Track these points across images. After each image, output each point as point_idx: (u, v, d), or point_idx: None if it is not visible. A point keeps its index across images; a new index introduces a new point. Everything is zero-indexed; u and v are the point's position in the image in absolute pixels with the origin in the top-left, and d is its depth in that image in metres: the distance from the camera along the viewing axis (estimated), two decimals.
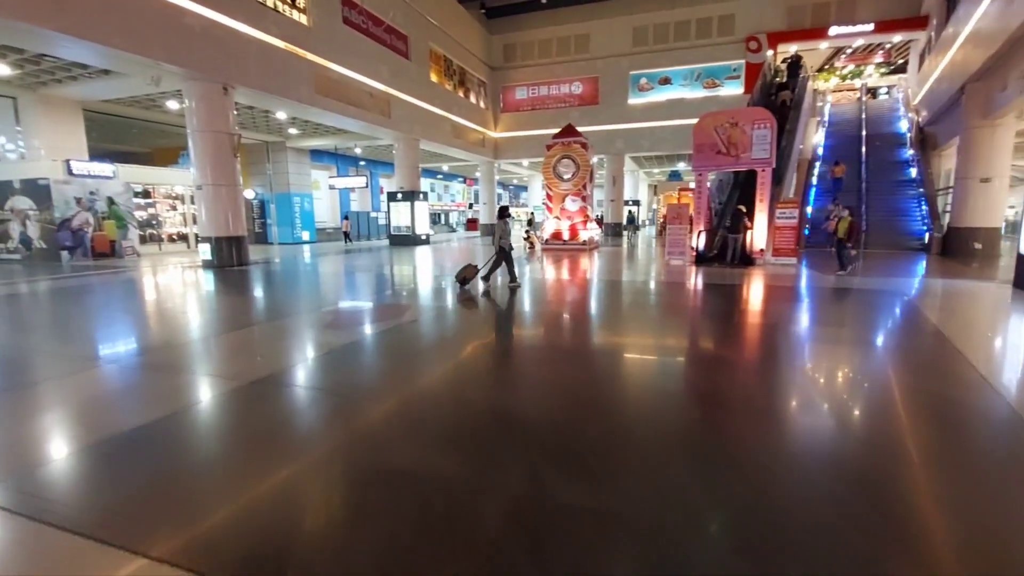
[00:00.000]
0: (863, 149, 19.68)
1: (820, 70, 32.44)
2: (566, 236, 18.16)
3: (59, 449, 2.97)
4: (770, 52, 23.85)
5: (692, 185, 28.43)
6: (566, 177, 17.98)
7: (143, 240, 17.71)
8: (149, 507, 2.32)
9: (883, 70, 34.10)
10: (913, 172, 18.11)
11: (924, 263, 12.69)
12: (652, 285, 9.93)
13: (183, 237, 19.44)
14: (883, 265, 12.20)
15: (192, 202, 17.40)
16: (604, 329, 6.38)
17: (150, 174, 18.75)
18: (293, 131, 21.70)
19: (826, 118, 22.33)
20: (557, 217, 18.32)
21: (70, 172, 15.12)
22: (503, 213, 9.42)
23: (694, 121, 13.19)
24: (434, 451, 2.83)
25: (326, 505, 2.36)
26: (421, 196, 22.76)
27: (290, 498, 2.39)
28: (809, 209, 16.85)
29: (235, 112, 13.65)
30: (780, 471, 2.61)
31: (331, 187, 27.91)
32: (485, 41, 28.52)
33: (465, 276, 9.12)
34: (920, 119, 20.49)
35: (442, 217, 41.56)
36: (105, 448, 2.93)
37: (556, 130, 19.19)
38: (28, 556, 2.01)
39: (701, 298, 8.57)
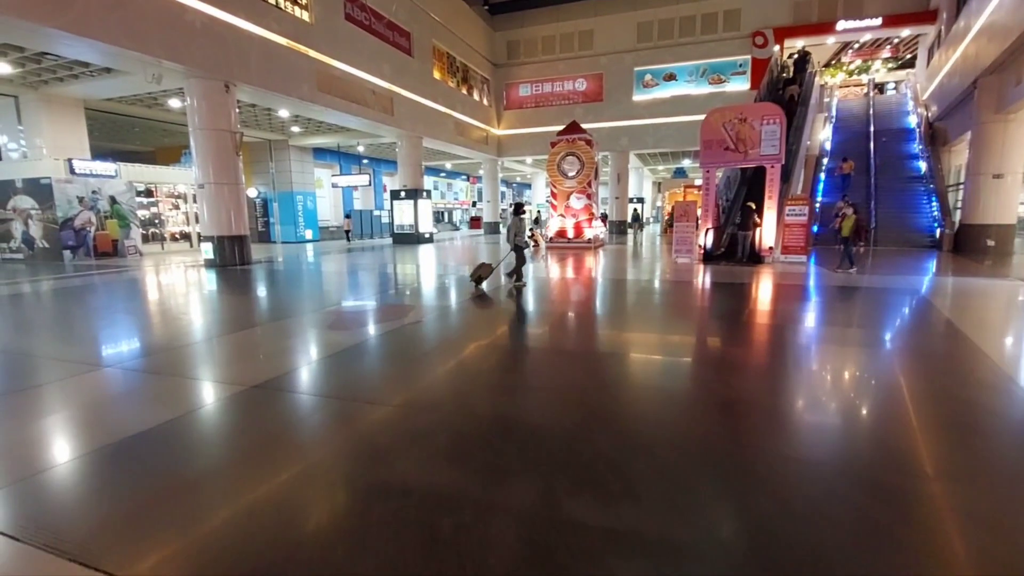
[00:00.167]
0: (871, 145, 19.42)
1: (827, 65, 32.13)
2: (571, 234, 17.99)
3: (42, 463, 2.84)
4: (776, 47, 23.57)
5: (698, 182, 28.25)
6: (571, 174, 17.80)
7: (146, 239, 17.64)
8: (131, 525, 2.19)
9: (891, 65, 33.74)
10: (923, 168, 17.86)
11: (936, 260, 12.48)
12: (661, 284, 9.75)
13: (186, 236, 19.37)
14: (894, 262, 12.00)
15: (194, 201, 17.31)
16: (616, 331, 6.23)
17: (152, 173, 18.65)
18: (296, 129, 21.58)
19: (833, 114, 22.06)
20: (562, 215, 18.15)
21: (72, 171, 15.04)
22: (518, 209, 9.20)
23: (699, 118, 13.01)
24: (440, 463, 2.69)
25: (325, 526, 2.22)
26: (424, 194, 22.63)
27: (286, 516, 2.26)
28: (817, 206, 16.62)
29: (237, 110, 13.54)
30: (806, 482, 2.47)
31: (334, 185, 27.81)
32: (488, 38, 28.32)
33: (480, 275, 8.88)
34: (929, 114, 20.21)
35: (445, 215, 41.42)
36: (95, 459, 2.80)
37: (560, 127, 19.01)
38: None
39: (713, 298, 8.40)
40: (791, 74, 21.27)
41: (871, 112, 21.71)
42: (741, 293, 8.55)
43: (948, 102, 17.33)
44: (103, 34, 9.88)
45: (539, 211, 33.28)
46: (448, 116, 23.98)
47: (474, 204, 44.06)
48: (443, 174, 39.81)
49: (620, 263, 13.46)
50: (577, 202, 17.86)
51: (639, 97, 26.34)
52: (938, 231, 15.47)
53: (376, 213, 29.06)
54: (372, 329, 6.06)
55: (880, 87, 30.82)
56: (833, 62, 32.80)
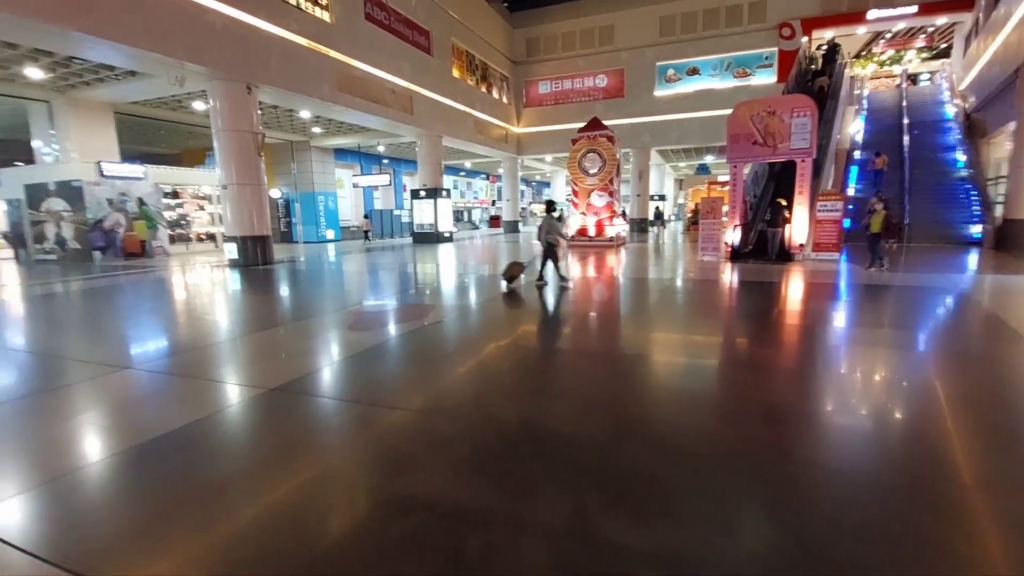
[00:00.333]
0: (905, 138, 18.69)
1: (857, 56, 31.11)
2: (592, 232, 17.71)
3: (51, 471, 2.78)
4: (804, 39, 22.87)
5: (722, 178, 27.65)
6: (592, 172, 17.53)
7: (172, 240, 17.94)
8: (139, 537, 2.09)
9: (925, 55, 32.55)
10: (961, 161, 17.10)
11: (978, 257, 11.89)
12: (690, 284, 9.42)
13: (211, 237, 19.66)
14: (932, 260, 11.47)
15: (218, 202, 17.55)
16: (645, 332, 6.01)
17: (178, 175, 18.99)
18: (317, 130, 21.74)
19: (864, 106, 21.31)
20: (583, 213, 17.89)
21: (102, 174, 15.37)
22: (550, 207, 8.99)
23: (724, 112, 12.63)
24: (464, 474, 2.54)
25: (343, 542, 2.09)
26: (444, 193, 22.58)
27: (301, 530, 2.13)
28: (848, 201, 16.03)
29: (259, 112, 13.64)
30: (854, 497, 2.25)
31: (355, 185, 27.96)
32: (507, 35, 28.16)
33: (511, 274, 8.68)
34: (967, 106, 19.36)
35: (465, 214, 41.40)
36: (108, 465, 2.73)
37: (580, 124, 18.73)
38: None
39: (745, 298, 8.09)
40: (820, 66, 20.64)
41: (904, 104, 20.91)
42: (774, 293, 8.22)
43: (987, 92, 16.55)
44: (125, 36, 10.01)
45: (561, 209, 33.00)
46: (467, 114, 23.89)
47: (493, 203, 43.95)
48: (462, 173, 39.80)
49: (645, 262, 13.17)
50: (599, 200, 17.57)
51: (661, 92, 25.87)
52: (979, 227, 14.77)
53: (396, 212, 29.14)
54: (393, 329, 5.95)
55: (913, 78, 29.71)
56: (864, 53, 31.75)
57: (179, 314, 7.52)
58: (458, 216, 38.01)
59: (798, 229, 11.56)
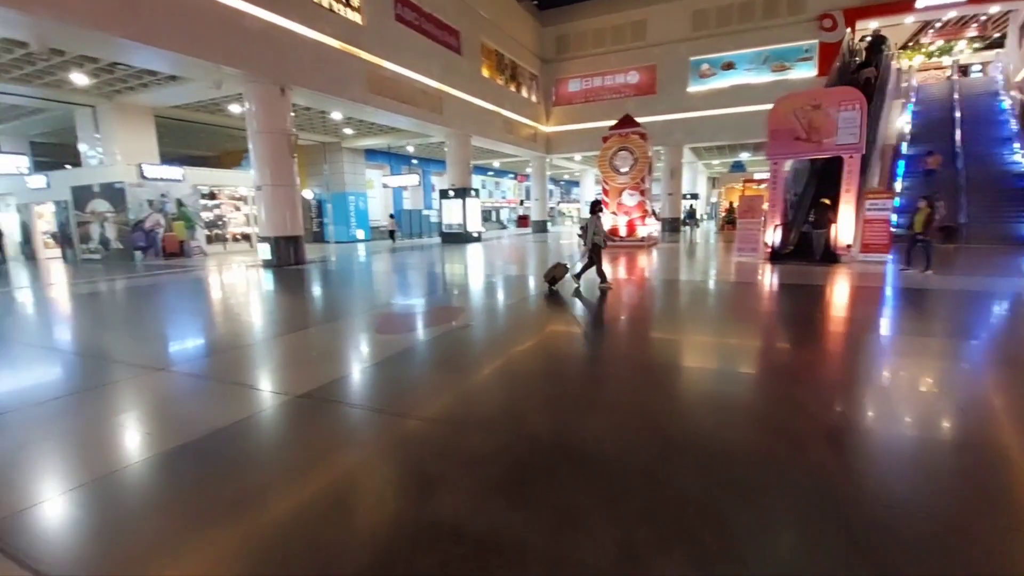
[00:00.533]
0: (957, 133, 17.67)
1: (903, 48, 29.67)
2: (623, 232, 17.33)
3: (69, 480, 2.72)
4: (847, 30, 21.87)
5: (757, 176, 26.76)
6: (623, 170, 17.14)
7: (209, 240, 18.38)
8: (139, 556, 1.98)
9: (976, 45, 30.85)
10: (1019, 156, 16.05)
11: None
12: (732, 287, 8.95)
13: (246, 237, 20.08)
14: (993, 262, 10.73)
15: (253, 203, 17.88)
16: (691, 340, 5.71)
17: (215, 176, 19.45)
18: (348, 131, 21.97)
19: (912, 100, 20.25)
20: (614, 212, 17.52)
21: (142, 176, 15.85)
22: (596, 207, 8.74)
23: (760, 108, 12.15)
24: (497, 500, 2.36)
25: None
26: (473, 193, 22.51)
27: (319, 559, 1.99)
28: (896, 199, 15.25)
29: (292, 113, 13.80)
30: (942, 537, 1.97)
31: (384, 186, 28.21)
32: (537, 33, 27.91)
33: (554, 276, 8.42)
34: None
35: (493, 214, 41.34)
36: (128, 474, 2.66)
37: (610, 123, 18.35)
38: None
39: (796, 303, 7.64)
40: (864, 58, 19.70)
41: (955, 97, 19.78)
42: (825, 297, 7.78)
43: None
44: (167, 42, 10.24)
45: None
46: (496, 114, 23.77)
47: (521, 203, 43.75)
48: (491, 173, 39.74)
49: (682, 264, 12.75)
50: (630, 199, 17.18)
51: (695, 88, 25.19)
52: None
53: (425, 213, 29.25)
54: (424, 333, 5.81)
55: (965, 69, 28.15)
56: (911, 44, 30.28)
57: (213, 315, 7.59)
58: (486, 216, 37.96)
59: (844, 229, 10.97)
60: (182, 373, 4.43)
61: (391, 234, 23.85)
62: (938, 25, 27.09)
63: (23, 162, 17.48)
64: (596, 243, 8.38)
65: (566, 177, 48.42)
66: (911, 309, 6.94)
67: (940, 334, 5.60)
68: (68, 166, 19.67)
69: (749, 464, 2.65)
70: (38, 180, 17.50)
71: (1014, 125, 17.33)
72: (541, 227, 30.64)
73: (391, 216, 25.43)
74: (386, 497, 2.45)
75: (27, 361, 5.01)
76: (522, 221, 40.01)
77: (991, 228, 14.51)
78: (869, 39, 20.63)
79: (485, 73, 23.21)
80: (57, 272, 13.70)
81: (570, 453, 2.81)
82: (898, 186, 16.24)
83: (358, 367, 4.63)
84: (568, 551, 1.96)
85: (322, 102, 15.88)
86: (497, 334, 5.91)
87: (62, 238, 17.91)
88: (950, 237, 14.17)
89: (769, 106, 12.02)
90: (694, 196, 35.84)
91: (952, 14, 23.18)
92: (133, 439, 3.17)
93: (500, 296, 8.47)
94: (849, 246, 10.96)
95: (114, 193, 15.82)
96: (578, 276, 8.68)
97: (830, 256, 10.95)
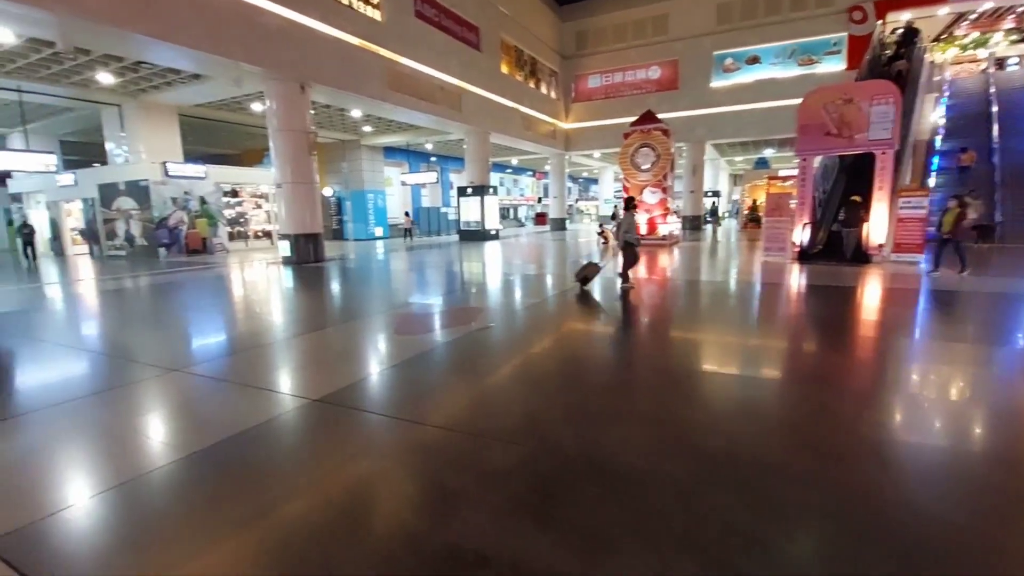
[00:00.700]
0: (994, 128, 16.94)
1: (936, 40, 28.61)
2: (643, 230, 17.01)
3: (65, 498, 2.65)
4: (878, 23, 21.15)
5: (783, 173, 26.14)
6: (644, 167, 16.83)
7: (231, 237, 18.60)
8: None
9: (1014, 37, 29.61)
10: None
11: None
12: (762, 288, 8.58)
13: (267, 234, 20.28)
14: None
15: (274, 200, 18.03)
16: (724, 344, 5.48)
17: (237, 174, 19.68)
18: (367, 129, 22.03)
19: (945, 94, 19.50)
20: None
21: (167, 174, 16.07)
22: (629, 204, 8.51)
23: (787, 103, 11.79)
24: (522, 521, 2.22)
25: None
26: (491, 191, 22.39)
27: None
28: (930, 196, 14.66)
29: (312, 111, 13.82)
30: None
31: (403, 183, 28.27)
32: (557, 29, 27.63)
33: (586, 275, 8.20)
34: None
35: (511, 211, 41.20)
36: (137, 485, 2.59)
37: (630, 119, 18.02)
38: None
39: (831, 306, 7.31)
40: (896, 51, 19.01)
41: (992, 91, 18.97)
42: (860, 300, 7.46)
43: None
44: (188, 40, 10.30)
45: (616, 205, 32.21)
46: (515, 111, 23.59)
47: (539, 200, 43.54)
48: (509, 170, 39.60)
49: (704, 263, 12.45)
50: (651, 196, 16.86)
51: (718, 83, 24.66)
52: None
53: (443, 210, 29.25)
54: (443, 335, 5.69)
55: (1001, 62, 27.06)
56: (944, 36, 29.18)
57: (234, 313, 7.59)
58: (504, 213, 37.86)
59: (877, 228, 10.57)
60: (200, 375, 4.38)
61: (407, 232, 23.82)
62: (973, 17, 26.02)
63: (52, 160, 17.88)
64: (628, 240, 8.13)
65: (585, 174, 48.04)
66: (948, 313, 6.60)
67: (981, 340, 5.29)
68: (96, 164, 20.10)
69: (794, 487, 2.45)
70: (67, 178, 17.90)
71: None
72: (559, 225, 30.41)
73: (406, 214, 25.48)
74: (403, 517, 2.33)
75: (51, 359, 5.03)
76: (540, 219, 39.81)
77: None
78: (901, 31, 19.92)
79: (504, 69, 23.04)
80: (85, 268, 13.97)
81: (599, 468, 2.65)
82: (931, 183, 15.63)
83: (376, 370, 4.53)
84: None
85: (341, 99, 15.91)
86: (518, 336, 5.76)
87: (89, 235, 18.30)
88: (985, 236, 13.60)
89: (796, 101, 11.63)
90: (716, 193, 35.24)
91: (988, 5, 22.25)
92: (146, 445, 3.11)
93: (520, 296, 8.33)
94: (881, 246, 10.55)
95: (139, 191, 16.08)
96: (623, 276, 8.30)
97: (861, 256, 10.56)
